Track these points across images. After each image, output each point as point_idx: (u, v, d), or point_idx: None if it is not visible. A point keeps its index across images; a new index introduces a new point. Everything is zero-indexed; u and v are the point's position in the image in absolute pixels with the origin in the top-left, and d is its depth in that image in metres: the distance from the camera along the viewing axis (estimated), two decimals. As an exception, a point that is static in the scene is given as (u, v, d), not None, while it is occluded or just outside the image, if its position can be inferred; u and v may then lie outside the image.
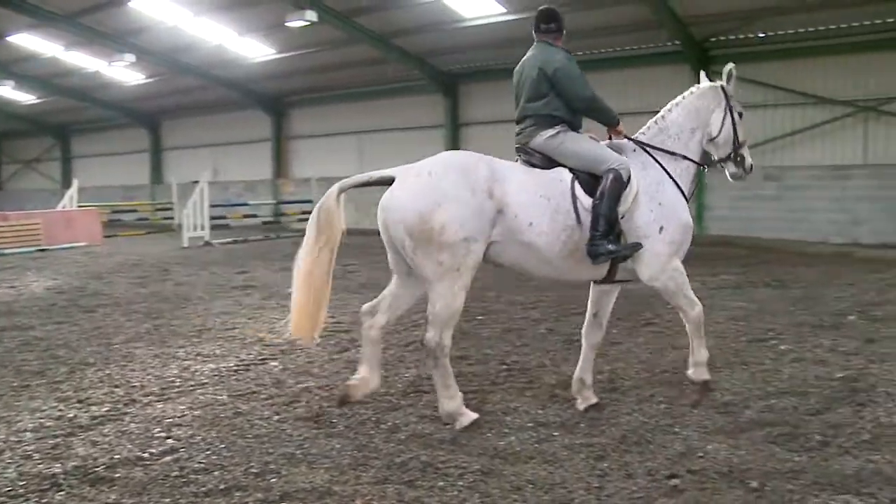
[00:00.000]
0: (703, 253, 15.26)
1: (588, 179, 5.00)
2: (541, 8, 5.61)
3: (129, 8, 20.15)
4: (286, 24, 18.50)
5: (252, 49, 23.07)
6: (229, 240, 19.43)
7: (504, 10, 18.26)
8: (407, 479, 4.00)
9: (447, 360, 4.80)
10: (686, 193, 5.33)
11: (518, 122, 5.43)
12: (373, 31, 20.34)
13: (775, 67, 18.05)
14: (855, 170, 17.13)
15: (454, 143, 23.44)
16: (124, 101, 30.89)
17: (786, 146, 18.26)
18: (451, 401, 4.81)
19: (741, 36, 18.11)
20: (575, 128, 5.28)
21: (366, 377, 4.99)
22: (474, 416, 4.84)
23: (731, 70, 5.85)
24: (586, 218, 4.88)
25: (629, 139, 5.50)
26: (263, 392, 5.70)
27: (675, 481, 3.91)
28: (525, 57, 5.51)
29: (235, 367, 6.47)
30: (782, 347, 6.85)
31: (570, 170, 5.08)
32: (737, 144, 5.65)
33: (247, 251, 17.27)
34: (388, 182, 4.91)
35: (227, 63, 24.35)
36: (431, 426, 4.83)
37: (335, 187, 4.99)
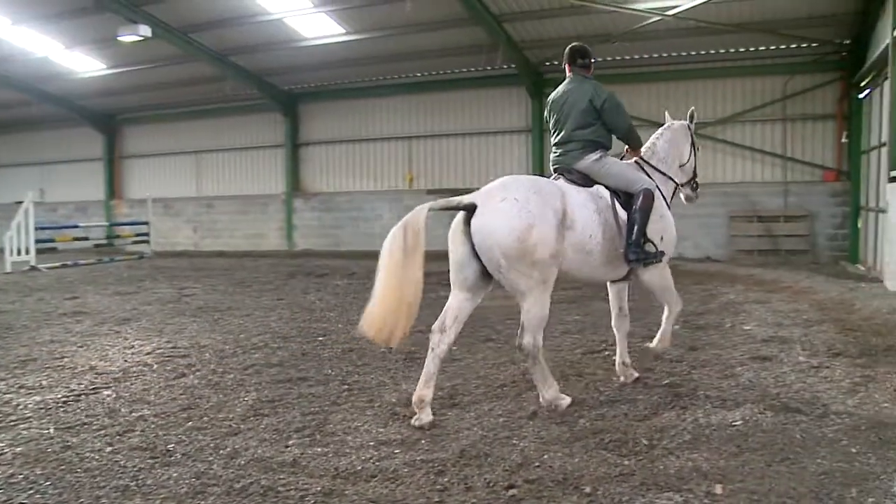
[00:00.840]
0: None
1: (621, 196, 5.91)
2: (575, 45, 6.38)
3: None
4: (118, 38, 17.74)
5: (81, 63, 21.96)
6: (58, 264, 18.33)
7: (343, 31, 18.35)
8: (246, 506, 3.92)
9: (542, 357, 5.50)
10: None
11: (560, 144, 6.13)
12: (210, 48, 19.91)
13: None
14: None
15: (294, 163, 23.29)
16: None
17: (616, 166, 19.21)
18: (550, 390, 5.54)
19: (573, 61, 18.96)
20: (608, 150, 6.13)
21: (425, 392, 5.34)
22: (569, 399, 5.57)
23: (692, 112, 6.93)
24: (622, 228, 5.80)
25: (640, 160, 6.39)
26: (95, 423, 5.41)
27: (512, 491, 4.01)
28: (564, 89, 6.21)
29: (64, 399, 6.10)
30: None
31: (606, 187, 5.93)
32: (695, 173, 6.80)
33: (77, 276, 16.36)
34: (469, 208, 5.43)
35: (54, 77, 23.02)
36: (272, 449, 4.75)
37: (423, 208, 5.41)
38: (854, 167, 16.66)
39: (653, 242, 5.87)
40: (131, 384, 6.55)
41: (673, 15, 15.34)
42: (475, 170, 21.01)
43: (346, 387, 6.36)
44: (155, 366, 7.25)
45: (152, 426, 5.31)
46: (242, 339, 8.57)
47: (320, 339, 8.55)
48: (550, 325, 8.95)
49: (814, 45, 16.72)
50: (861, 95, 15.98)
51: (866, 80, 15.16)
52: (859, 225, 16.46)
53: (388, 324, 5.25)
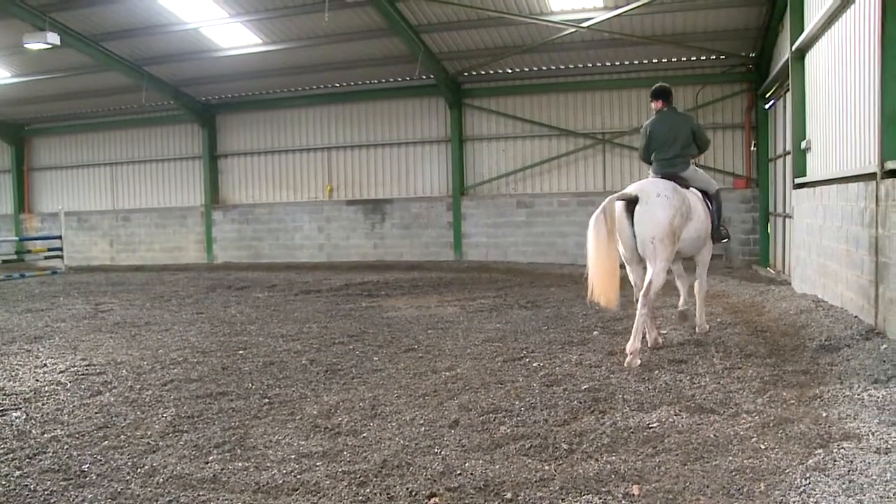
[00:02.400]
0: (462, 278, 15.91)
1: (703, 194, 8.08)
2: (665, 85, 8.27)
3: None
4: (25, 45, 17.12)
5: (-15, 71, 21.14)
6: (-38, 282, 17.67)
7: (260, 41, 18.16)
8: (164, 524, 3.85)
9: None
10: None
11: (669, 158, 7.96)
12: (124, 57, 19.43)
13: (524, 101, 19.50)
14: (597, 196, 18.62)
15: (212, 175, 22.93)
16: None
17: (535, 175, 19.58)
18: (635, 342, 7.08)
19: (491, 71, 19.24)
20: None
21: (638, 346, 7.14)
22: (639, 362, 6.97)
23: None
24: (709, 217, 7.98)
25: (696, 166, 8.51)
26: (2, 446, 5.22)
27: (434, 500, 4.03)
28: (664, 118, 8.09)
29: (-31, 422, 5.89)
30: (535, 364, 7.25)
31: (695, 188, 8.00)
32: None
33: (-16, 293, 15.78)
34: (633, 200, 7.30)
35: (-48, 85, 22.04)
36: (191, 466, 4.67)
37: (613, 198, 7.23)
38: (762, 174, 17.25)
39: (725, 227, 8.34)
40: (43, 404, 6.35)
41: (588, 27, 15.66)
42: (395, 180, 21.04)
43: (266, 400, 6.28)
44: (69, 384, 7.04)
45: (65, 447, 5.16)
46: (161, 355, 8.40)
47: (241, 352, 8.44)
48: (471, 333, 9.09)
49: (722, 57, 17.31)
50: (767, 106, 16.59)
51: (771, 92, 15.77)
52: (769, 230, 17.06)
53: (607, 286, 7.02)
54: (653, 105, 8.25)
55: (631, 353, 7.03)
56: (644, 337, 7.48)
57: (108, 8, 16.87)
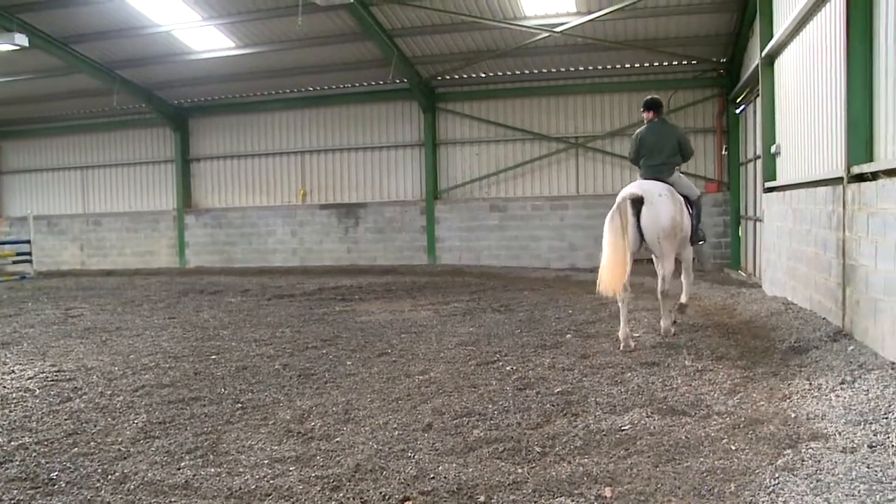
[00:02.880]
0: (435, 282, 15.92)
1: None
2: (657, 98, 9.08)
3: None
4: (-9, 47, 16.92)
5: (-50, 73, 20.78)
6: (-72, 287, 17.40)
7: (233, 45, 18.07)
8: (135, 531, 3.82)
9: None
10: None
11: (657, 165, 8.72)
12: (95, 59, 19.24)
13: (498, 105, 19.56)
14: (569, 200, 18.81)
15: (185, 179, 22.76)
16: None
17: (508, 179, 19.64)
18: (666, 322, 8.54)
19: (465, 76, 19.29)
20: None
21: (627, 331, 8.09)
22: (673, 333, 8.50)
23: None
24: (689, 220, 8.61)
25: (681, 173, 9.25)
26: (-32, 456, 5.16)
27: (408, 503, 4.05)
28: (654, 129, 8.84)
29: (-66, 430, 5.80)
30: (508, 368, 7.27)
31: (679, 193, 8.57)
32: None
33: (-49, 299, 15.55)
34: (639, 200, 8.00)
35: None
36: (163, 472, 4.63)
37: (626, 199, 7.94)
38: (734, 178, 17.45)
39: (702, 230, 9.03)
40: (10, 411, 6.27)
41: (561, 32, 15.74)
42: (369, 184, 21.01)
43: (239, 405, 6.25)
44: (37, 391, 6.96)
45: (34, 455, 5.09)
46: (132, 360, 8.33)
47: (213, 357, 8.39)
48: (444, 337, 9.10)
49: (694, 62, 17.50)
50: (737, 111, 16.78)
51: (741, 97, 15.96)
52: (740, 233, 17.24)
53: (616, 275, 7.78)
54: (644, 115, 9.02)
55: (664, 331, 8.52)
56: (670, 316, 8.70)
57: (79, 10, 16.69)
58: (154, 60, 19.34)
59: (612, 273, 7.79)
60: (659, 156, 8.72)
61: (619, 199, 7.95)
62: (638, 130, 9.05)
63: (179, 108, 22.63)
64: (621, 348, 7.82)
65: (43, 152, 24.96)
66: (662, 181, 8.51)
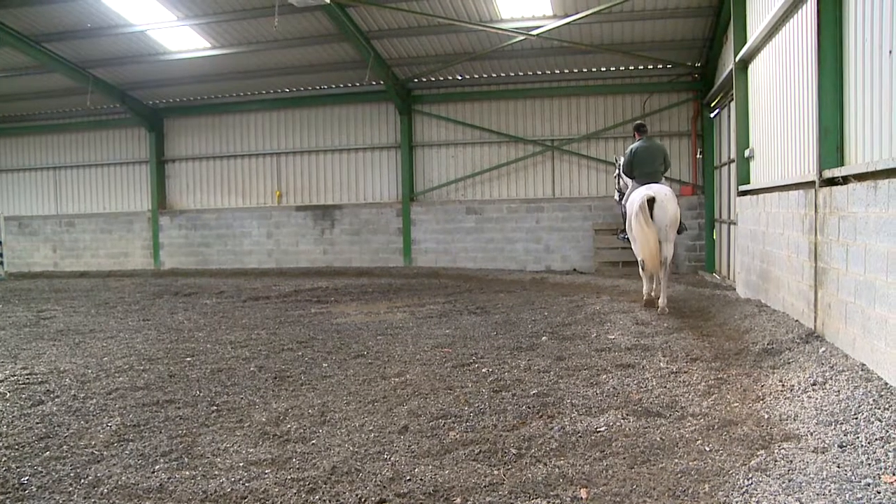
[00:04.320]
0: (411, 284, 15.92)
1: None
2: (642, 122, 11.82)
3: None
4: (-40, 45, 16.68)
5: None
6: None
7: (209, 45, 17.94)
8: (108, 535, 3.79)
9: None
10: None
11: (651, 173, 11.12)
12: (68, 59, 19.02)
13: (474, 108, 19.61)
14: (545, 203, 18.88)
15: (159, 180, 22.58)
16: None
17: (484, 181, 19.68)
18: (664, 299, 10.58)
19: (441, 78, 19.31)
20: None
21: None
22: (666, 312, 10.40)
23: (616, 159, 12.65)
24: None
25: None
26: (-62, 459, 5.08)
27: (383, 505, 4.05)
28: (646, 145, 11.28)
29: None
30: (484, 370, 7.29)
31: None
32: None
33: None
34: (653, 199, 10.31)
35: None
36: (137, 475, 4.60)
37: (644, 199, 10.29)
38: (708, 181, 17.58)
39: (683, 223, 11.06)
40: (-18, 414, 6.20)
41: (537, 35, 15.80)
42: (345, 186, 20.96)
43: (214, 408, 6.21)
44: (8, 394, 6.88)
45: (3, 459, 5.02)
46: (106, 363, 8.25)
47: (188, 359, 8.33)
48: (421, 339, 9.10)
49: (669, 66, 17.63)
50: (712, 115, 16.93)
51: (716, 101, 16.11)
52: (714, 236, 17.38)
53: (654, 255, 10.14)
54: (636, 135, 11.60)
55: (661, 307, 10.47)
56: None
57: (52, 7, 16.47)
58: (128, 60, 19.16)
59: (651, 254, 10.14)
60: (651, 165, 11.15)
61: (638, 199, 10.29)
62: (632, 146, 11.42)
63: (154, 108, 22.45)
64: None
65: (14, 152, 24.65)
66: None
